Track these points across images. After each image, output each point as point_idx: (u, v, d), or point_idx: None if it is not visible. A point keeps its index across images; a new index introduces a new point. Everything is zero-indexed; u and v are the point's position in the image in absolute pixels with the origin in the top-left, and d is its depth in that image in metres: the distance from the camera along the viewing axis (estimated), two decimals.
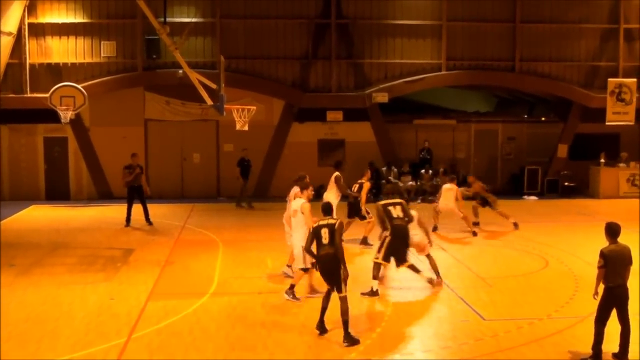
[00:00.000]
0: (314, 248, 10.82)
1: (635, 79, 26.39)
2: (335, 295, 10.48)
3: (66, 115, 22.17)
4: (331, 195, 16.78)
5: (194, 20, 24.09)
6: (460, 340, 10.52)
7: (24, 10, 24.85)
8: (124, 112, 25.74)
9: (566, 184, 27.13)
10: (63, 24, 25.34)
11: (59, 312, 11.89)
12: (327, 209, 11.18)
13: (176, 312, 11.80)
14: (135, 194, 20.02)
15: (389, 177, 25.93)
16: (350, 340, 10.21)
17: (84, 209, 23.90)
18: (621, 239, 10.02)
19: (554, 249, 16.89)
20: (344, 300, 10.34)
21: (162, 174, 25.79)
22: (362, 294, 12.76)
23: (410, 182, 25.85)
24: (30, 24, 25.13)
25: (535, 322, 11.32)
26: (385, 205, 13.30)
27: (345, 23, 26.42)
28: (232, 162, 25.63)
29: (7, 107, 24.56)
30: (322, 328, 10.67)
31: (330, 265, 10.51)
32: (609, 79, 26.36)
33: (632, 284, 13.68)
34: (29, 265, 15.43)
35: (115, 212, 22.48)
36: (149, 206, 20.48)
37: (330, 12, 26.22)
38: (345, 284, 10.44)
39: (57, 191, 25.75)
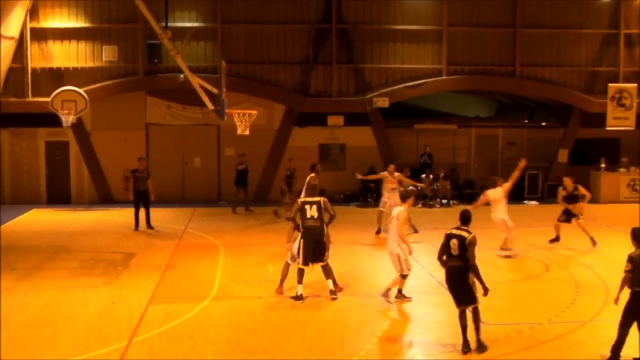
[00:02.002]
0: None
1: (635, 84, 26.43)
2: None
3: (67, 119, 22.19)
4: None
5: (195, 25, 24.17)
6: (461, 345, 10.51)
7: (26, 15, 24.93)
8: (125, 116, 25.78)
9: None
10: (65, 28, 25.41)
11: (60, 316, 11.90)
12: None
13: (177, 316, 11.81)
14: (141, 199, 20.02)
15: None
16: (482, 347, 10.14)
17: (85, 213, 23.91)
18: (623, 244, 9.98)
19: (555, 254, 16.91)
20: (476, 312, 10.21)
21: (163, 178, 25.77)
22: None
23: (411, 187, 25.78)
24: (32, 29, 25.21)
25: (536, 326, 11.32)
26: (304, 203, 13.05)
27: (346, 28, 26.48)
28: (232, 166, 25.72)
29: (9, 111, 24.61)
30: (466, 346, 10.16)
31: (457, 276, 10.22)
32: (610, 84, 26.40)
33: None
34: (29, 269, 15.43)
35: (116, 216, 22.52)
36: (150, 210, 20.50)
37: (331, 17, 26.28)
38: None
39: (58, 195, 25.78)
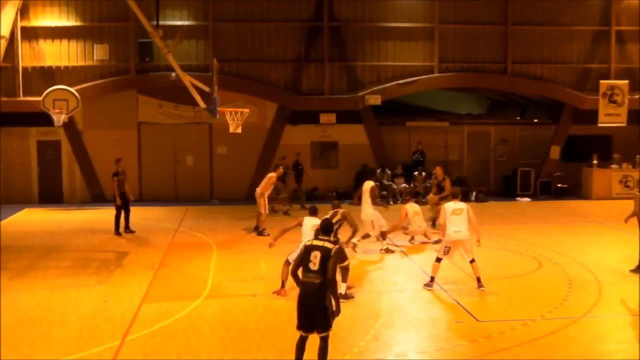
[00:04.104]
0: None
1: (627, 81, 26.52)
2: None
3: (59, 118, 22.07)
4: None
5: (186, 23, 24.11)
6: (454, 341, 10.55)
7: (17, 14, 24.81)
8: (117, 115, 25.71)
9: (559, 185, 27.24)
10: (56, 27, 25.32)
11: (53, 316, 11.87)
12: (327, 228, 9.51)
13: (170, 315, 11.80)
14: (124, 201, 19.69)
15: (383, 180, 25.97)
16: None
17: (77, 212, 23.86)
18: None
19: (547, 250, 16.95)
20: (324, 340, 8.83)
21: (156, 177, 25.77)
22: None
23: (404, 184, 25.88)
24: (23, 27, 25.10)
25: (529, 323, 11.36)
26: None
27: (338, 26, 26.47)
28: (225, 164, 25.78)
29: (0, 110, 24.48)
30: None
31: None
32: (601, 81, 26.47)
33: (628, 283, 13.81)
34: (22, 268, 15.39)
35: (108, 215, 22.33)
36: (142, 209, 20.39)
37: (323, 15, 26.27)
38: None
39: (51, 194, 25.70)
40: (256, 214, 19.76)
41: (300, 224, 12.96)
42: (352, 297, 12.77)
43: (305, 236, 12.11)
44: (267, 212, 19.85)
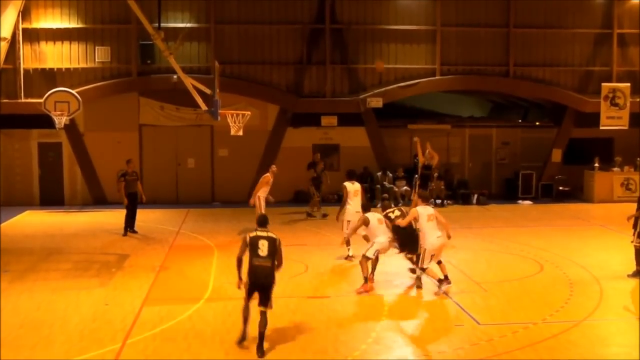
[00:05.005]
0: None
1: (628, 84, 26.50)
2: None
3: (60, 120, 22.07)
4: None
5: (188, 25, 24.13)
6: (456, 344, 10.52)
7: (18, 16, 24.81)
8: (118, 117, 25.71)
9: (560, 188, 27.19)
10: (57, 29, 25.32)
11: (54, 318, 11.85)
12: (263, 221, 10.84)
13: (171, 318, 11.78)
14: (133, 202, 19.81)
15: (384, 182, 25.97)
16: (262, 353, 10.07)
17: (78, 215, 23.85)
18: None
19: (549, 254, 16.91)
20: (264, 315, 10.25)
21: (157, 180, 25.72)
22: (356, 291, 13.08)
23: (405, 187, 25.86)
24: (24, 29, 25.11)
25: (531, 326, 11.33)
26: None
27: (340, 28, 26.46)
28: (226, 167, 25.75)
29: (2, 112, 24.47)
30: (245, 336, 10.46)
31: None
32: (603, 84, 26.44)
33: (629, 286, 13.78)
34: (23, 271, 15.38)
35: (109, 217, 22.44)
36: (143, 211, 20.40)
37: (325, 17, 26.26)
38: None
39: (52, 197, 25.68)
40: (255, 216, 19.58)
41: (366, 223, 13.75)
42: None
43: (377, 231, 13.61)
44: (263, 212, 19.60)
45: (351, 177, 17.45)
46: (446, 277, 13.41)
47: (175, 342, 10.66)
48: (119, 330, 11.15)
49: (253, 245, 10.38)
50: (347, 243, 16.03)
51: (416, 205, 14.12)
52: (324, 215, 22.63)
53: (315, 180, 23.44)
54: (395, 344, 10.67)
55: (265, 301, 10.25)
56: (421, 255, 13.34)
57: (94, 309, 12.41)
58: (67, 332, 11.10)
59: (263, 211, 19.29)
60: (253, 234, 10.52)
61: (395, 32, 26.71)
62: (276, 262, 10.36)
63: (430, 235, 13.19)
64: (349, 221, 16.25)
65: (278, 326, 11.39)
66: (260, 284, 10.27)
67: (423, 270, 13.39)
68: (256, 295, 10.32)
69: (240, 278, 10.41)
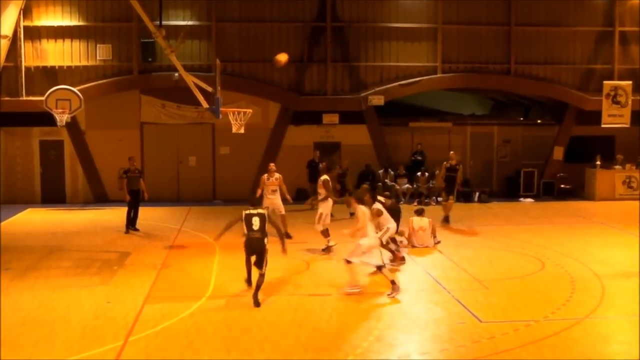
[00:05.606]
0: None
1: (630, 82, 26.45)
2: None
3: (62, 118, 22.05)
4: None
5: (189, 23, 24.13)
6: (457, 342, 10.52)
7: (20, 13, 24.81)
8: (119, 115, 25.71)
9: (562, 186, 27.20)
10: (59, 27, 25.33)
11: (55, 316, 11.86)
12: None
13: (173, 315, 11.78)
14: (135, 199, 19.83)
15: (386, 180, 25.95)
16: (257, 303, 12.23)
17: (79, 212, 23.85)
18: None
19: (550, 251, 16.90)
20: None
21: (158, 177, 25.68)
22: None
23: (407, 185, 25.86)
24: (25, 27, 25.11)
25: (532, 324, 11.33)
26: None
27: (341, 26, 26.45)
28: (228, 165, 25.76)
29: (3, 110, 24.50)
30: (250, 282, 13.13)
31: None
32: (605, 82, 26.40)
33: (631, 284, 13.77)
34: (24, 268, 15.38)
35: (111, 215, 22.45)
36: (145, 209, 20.40)
37: (326, 15, 26.26)
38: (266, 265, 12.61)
39: (53, 194, 25.69)
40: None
41: (379, 214, 14.35)
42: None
43: (388, 217, 14.43)
44: (283, 213, 19.21)
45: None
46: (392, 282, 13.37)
47: (177, 339, 10.66)
48: (120, 328, 11.15)
49: (247, 221, 12.55)
50: (326, 234, 16.81)
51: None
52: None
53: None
54: (397, 341, 10.67)
55: (260, 264, 12.53)
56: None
57: (95, 306, 12.41)
58: (69, 330, 11.11)
59: (283, 212, 18.78)
60: (247, 211, 12.64)
61: (396, 30, 26.70)
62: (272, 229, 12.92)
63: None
64: (321, 213, 16.94)
65: (279, 324, 11.41)
66: (255, 251, 12.63)
67: None
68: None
69: (219, 235, 13.19)
